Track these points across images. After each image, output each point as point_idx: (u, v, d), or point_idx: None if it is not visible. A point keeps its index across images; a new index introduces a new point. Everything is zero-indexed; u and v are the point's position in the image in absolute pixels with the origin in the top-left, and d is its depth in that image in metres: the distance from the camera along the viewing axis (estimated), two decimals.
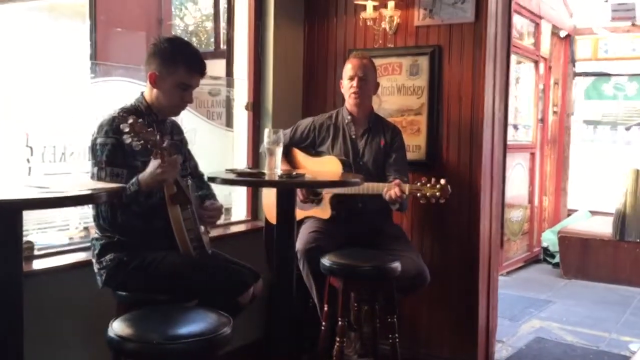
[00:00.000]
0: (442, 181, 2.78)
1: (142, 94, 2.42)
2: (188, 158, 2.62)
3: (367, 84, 3.08)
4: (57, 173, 2.64)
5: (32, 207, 2.10)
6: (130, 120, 2.03)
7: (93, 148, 2.26)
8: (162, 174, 2.11)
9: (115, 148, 2.21)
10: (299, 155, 3.18)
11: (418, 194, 2.80)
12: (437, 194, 2.77)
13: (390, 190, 2.79)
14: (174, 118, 2.59)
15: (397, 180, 2.83)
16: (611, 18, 6.13)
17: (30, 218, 2.54)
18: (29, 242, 2.51)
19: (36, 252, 2.55)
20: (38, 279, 2.41)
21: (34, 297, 2.28)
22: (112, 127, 2.22)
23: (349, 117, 3.14)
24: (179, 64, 2.32)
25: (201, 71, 2.39)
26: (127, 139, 2.03)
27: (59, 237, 2.75)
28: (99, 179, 2.21)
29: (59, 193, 1.80)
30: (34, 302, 2.24)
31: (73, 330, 2.57)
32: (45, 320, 2.43)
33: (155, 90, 2.36)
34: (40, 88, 2.62)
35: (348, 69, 3.07)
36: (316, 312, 2.99)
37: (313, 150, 3.18)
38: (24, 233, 2.13)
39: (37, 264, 2.49)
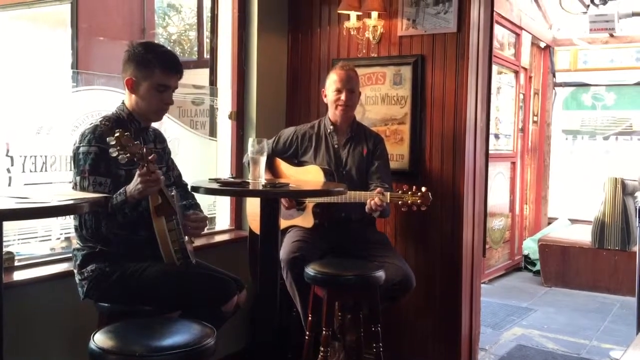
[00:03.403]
0: (423, 189, 2.81)
1: (123, 102, 2.41)
2: (171, 167, 2.61)
3: (355, 95, 3.11)
4: (38, 183, 2.61)
5: (11, 218, 2.08)
6: (117, 134, 2.01)
7: (75, 157, 2.23)
8: (145, 188, 2.09)
9: (98, 157, 2.19)
10: (282, 165, 3.18)
11: (399, 202, 2.82)
12: (418, 201, 2.80)
13: (370, 201, 2.81)
14: (156, 127, 2.58)
15: (379, 189, 2.84)
16: (589, 29, 6.22)
17: (11, 228, 2.50)
18: (10, 252, 2.47)
19: (17, 263, 2.52)
20: (18, 290, 2.38)
21: (15, 309, 2.25)
22: (94, 136, 2.21)
23: (332, 127, 3.15)
24: (154, 66, 2.31)
25: (177, 71, 2.38)
26: (114, 152, 2.01)
27: (40, 248, 2.71)
28: (82, 188, 2.18)
29: (39, 203, 1.78)
30: (14, 314, 2.21)
31: (54, 342, 2.53)
32: (26, 333, 2.40)
33: (134, 96, 2.35)
34: (21, 97, 2.59)
35: (335, 81, 3.07)
36: (300, 322, 2.98)
37: (296, 160, 3.18)
38: (5, 243, 2.10)
39: (18, 275, 2.45)
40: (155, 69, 2.31)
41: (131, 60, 2.33)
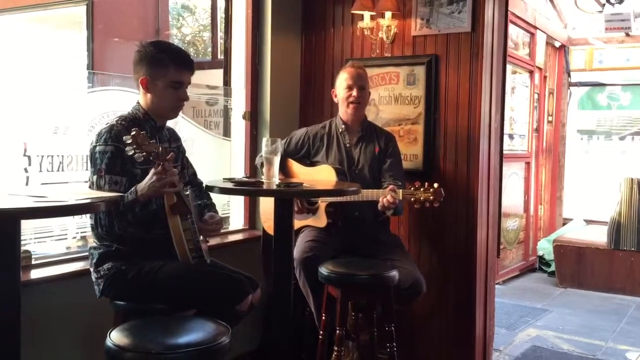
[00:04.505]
0: (435, 185, 2.82)
1: (138, 102, 2.43)
2: (186, 166, 2.62)
3: (365, 93, 3.12)
4: (54, 182, 2.64)
5: (29, 217, 2.11)
6: (133, 132, 2.03)
7: (92, 156, 2.25)
8: (160, 186, 2.11)
9: (114, 156, 2.21)
10: (294, 166, 3.18)
11: (412, 199, 2.83)
12: (431, 197, 2.81)
13: (383, 198, 2.81)
14: (171, 126, 2.60)
15: (391, 186, 2.85)
16: (605, 28, 6.17)
17: (27, 227, 2.53)
18: (27, 251, 2.50)
19: (34, 262, 2.55)
20: (36, 288, 2.40)
21: (32, 307, 2.27)
22: (111, 135, 2.23)
23: (343, 126, 3.16)
24: (167, 64, 2.33)
25: (190, 67, 2.40)
26: (130, 151, 2.03)
27: (56, 247, 2.74)
28: (98, 187, 2.21)
29: (56, 202, 1.80)
30: (31, 312, 2.23)
31: (71, 340, 2.56)
32: (43, 330, 2.42)
33: (149, 95, 2.37)
34: (38, 98, 2.62)
35: (345, 78, 3.08)
36: (314, 321, 2.99)
37: (308, 160, 3.19)
38: (22, 242, 2.13)
39: (35, 274, 2.48)
40: (168, 66, 2.33)
41: (143, 60, 2.35)
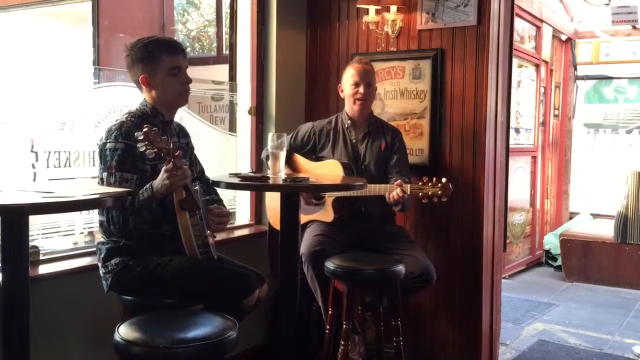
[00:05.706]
0: (443, 180, 2.82)
1: (144, 98, 2.43)
2: (194, 162, 2.62)
3: (372, 89, 3.11)
4: (61, 178, 2.65)
5: (38, 212, 2.12)
6: (145, 129, 2.04)
7: (102, 153, 2.25)
8: (172, 183, 2.12)
9: (125, 153, 2.21)
10: (300, 161, 3.18)
11: (420, 194, 2.82)
12: (439, 192, 2.81)
13: (392, 191, 2.81)
14: (180, 122, 2.60)
15: (399, 181, 2.85)
16: (612, 21, 6.13)
17: (35, 223, 2.54)
18: (35, 247, 2.51)
19: (42, 257, 2.56)
20: (44, 283, 2.42)
21: (40, 302, 2.29)
22: (121, 132, 2.23)
23: (349, 122, 3.15)
24: (159, 54, 2.34)
25: (180, 49, 2.41)
26: (141, 147, 2.03)
27: (63, 243, 2.76)
28: (108, 184, 2.21)
29: (64, 198, 1.81)
30: (40, 307, 2.25)
31: (79, 334, 2.58)
32: (52, 325, 2.44)
33: (153, 91, 2.38)
34: (44, 93, 2.63)
35: (352, 75, 3.08)
36: (320, 316, 3.00)
37: (314, 155, 3.19)
38: (30, 238, 2.14)
39: (43, 269, 2.49)
40: (161, 56, 2.34)
41: (136, 61, 2.35)
